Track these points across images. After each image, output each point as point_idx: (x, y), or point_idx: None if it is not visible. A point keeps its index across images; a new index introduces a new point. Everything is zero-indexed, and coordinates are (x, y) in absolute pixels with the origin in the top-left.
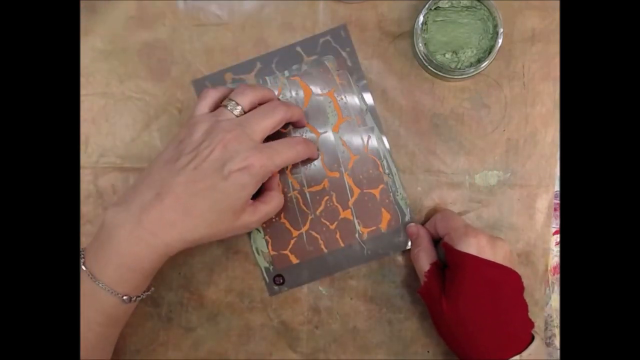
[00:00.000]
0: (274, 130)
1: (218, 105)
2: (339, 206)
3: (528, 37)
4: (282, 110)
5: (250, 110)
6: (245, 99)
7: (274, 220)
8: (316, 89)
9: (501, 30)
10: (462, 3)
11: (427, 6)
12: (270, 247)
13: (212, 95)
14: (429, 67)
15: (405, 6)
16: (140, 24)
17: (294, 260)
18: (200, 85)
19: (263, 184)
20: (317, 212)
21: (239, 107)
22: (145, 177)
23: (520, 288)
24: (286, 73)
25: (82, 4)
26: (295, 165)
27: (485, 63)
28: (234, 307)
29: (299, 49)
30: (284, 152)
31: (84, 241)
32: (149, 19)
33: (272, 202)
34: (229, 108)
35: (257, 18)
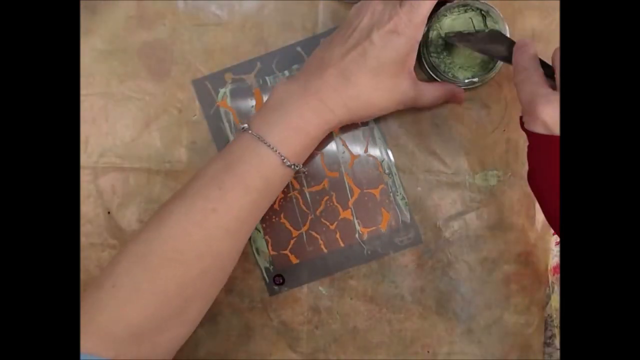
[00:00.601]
0: (426, 14)
1: None
2: (339, 206)
3: (528, 37)
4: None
5: None
6: None
7: (274, 220)
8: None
9: (508, 35)
10: (465, 15)
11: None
12: (270, 247)
13: None
14: (438, 79)
15: None
16: (140, 24)
17: (294, 260)
18: (200, 85)
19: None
20: (317, 212)
21: None
22: (311, 58)
23: None
24: (286, 73)
25: (82, 4)
26: None
27: (495, 70)
28: (234, 307)
29: (299, 49)
30: (422, 2)
31: (84, 241)
32: (149, 19)
33: (434, 91)
34: None
35: (257, 18)
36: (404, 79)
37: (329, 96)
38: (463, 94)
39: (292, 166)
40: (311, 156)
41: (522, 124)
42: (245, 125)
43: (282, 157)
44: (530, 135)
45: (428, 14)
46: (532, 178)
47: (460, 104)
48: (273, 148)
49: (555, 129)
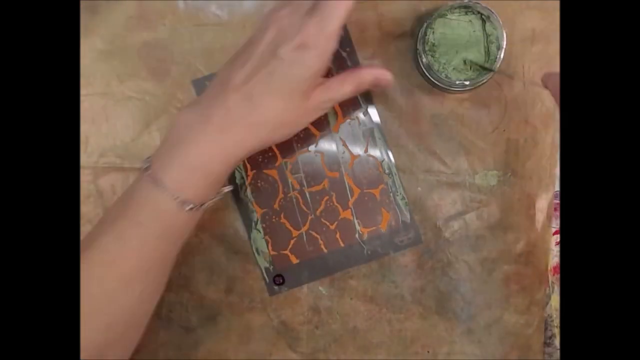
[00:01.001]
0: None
1: None
2: (339, 206)
3: (528, 37)
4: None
5: None
6: None
7: (274, 220)
8: None
9: (504, 44)
10: (465, 17)
11: (426, 23)
12: (270, 247)
13: None
14: (430, 78)
15: (405, 6)
16: (140, 24)
17: (294, 260)
18: (200, 85)
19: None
20: (317, 212)
21: None
22: (213, 81)
23: None
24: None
25: (82, 4)
26: (295, 165)
27: (487, 76)
28: (234, 307)
29: None
30: (334, 10)
31: None
32: (149, 18)
33: (347, 85)
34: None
35: (257, 18)
36: (317, 93)
37: (233, 127)
38: (386, 75)
39: (196, 208)
40: (311, 156)
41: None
42: (148, 162)
43: (182, 202)
44: None
45: (342, 22)
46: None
47: (389, 87)
48: (171, 194)
49: None
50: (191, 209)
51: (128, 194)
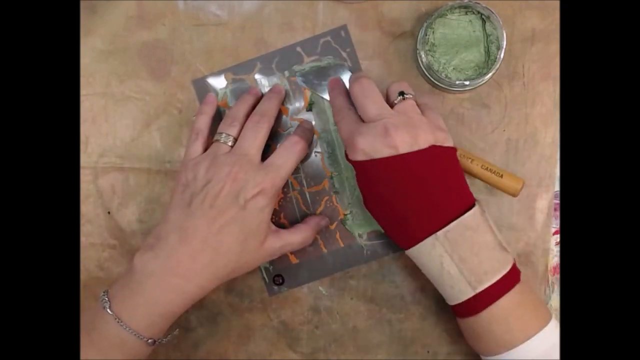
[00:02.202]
0: (266, 139)
1: (209, 141)
2: (338, 206)
3: (528, 37)
4: (265, 122)
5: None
6: (235, 129)
7: (273, 220)
8: (316, 90)
9: (504, 44)
10: (465, 17)
11: (426, 23)
12: None
13: (202, 134)
14: (430, 78)
15: (405, 6)
16: (140, 24)
17: (294, 260)
18: (200, 85)
19: (304, 219)
20: (317, 212)
21: (231, 138)
22: (165, 223)
23: (434, 161)
24: (286, 73)
25: (82, 4)
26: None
27: (488, 76)
28: (234, 307)
29: (299, 49)
30: (287, 162)
31: (84, 241)
32: (149, 19)
33: (298, 234)
34: (222, 141)
35: (257, 18)
36: (269, 236)
37: (197, 274)
38: (326, 220)
39: (159, 341)
40: (311, 156)
41: (347, 157)
42: (105, 298)
43: (148, 340)
44: (355, 164)
45: (295, 167)
46: (367, 203)
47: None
48: (137, 335)
49: (372, 154)
50: (153, 342)
51: (92, 325)
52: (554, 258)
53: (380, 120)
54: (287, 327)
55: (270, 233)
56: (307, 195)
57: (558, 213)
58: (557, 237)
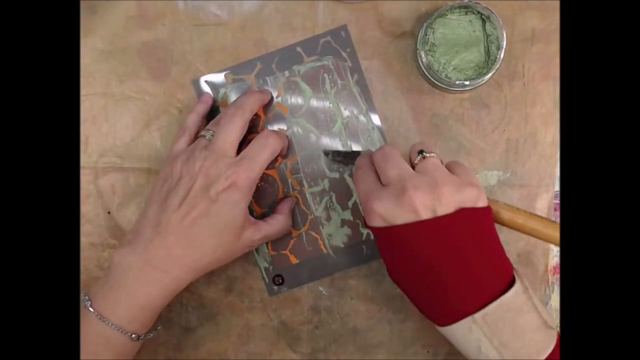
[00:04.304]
0: (242, 134)
1: (195, 137)
2: (339, 206)
3: (528, 37)
4: (239, 115)
5: None
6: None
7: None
8: (316, 89)
9: (504, 44)
10: (465, 17)
11: (426, 23)
12: (269, 247)
13: (188, 131)
14: (430, 78)
15: (405, 6)
16: (140, 24)
17: (294, 260)
18: (200, 86)
19: (275, 207)
20: (317, 212)
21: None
22: (143, 219)
23: (465, 227)
24: (286, 73)
25: (82, 4)
26: (295, 165)
27: (488, 76)
28: (234, 307)
29: (299, 49)
30: (260, 155)
31: (84, 241)
32: (149, 19)
33: (276, 224)
34: (207, 137)
35: (257, 18)
36: (246, 229)
37: (173, 266)
38: (293, 200)
39: (143, 336)
40: (312, 156)
41: (365, 223)
42: (87, 298)
43: (132, 335)
44: (374, 230)
45: (267, 163)
46: (391, 273)
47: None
48: (121, 330)
49: (391, 220)
50: (137, 338)
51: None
52: (554, 258)
53: (399, 182)
54: (287, 327)
55: (249, 225)
56: (307, 195)
57: (558, 213)
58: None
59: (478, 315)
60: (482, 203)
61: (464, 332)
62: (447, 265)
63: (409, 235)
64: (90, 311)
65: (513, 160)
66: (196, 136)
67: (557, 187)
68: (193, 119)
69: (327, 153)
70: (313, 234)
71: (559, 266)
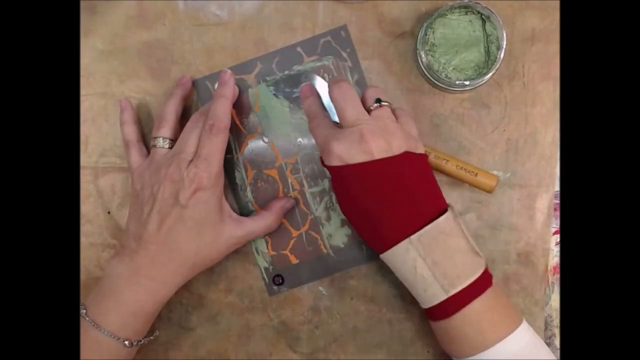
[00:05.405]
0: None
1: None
2: (339, 206)
3: (528, 37)
4: (195, 117)
5: (176, 131)
6: (167, 130)
7: None
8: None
9: (504, 44)
10: (465, 17)
11: (426, 23)
12: (269, 247)
13: (131, 143)
14: (430, 78)
15: (405, 6)
16: (140, 24)
17: (294, 260)
18: (200, 85)
19: (267, 204)
20: (317, 212)
21: (167, 140)
22: (126, 231)
23: (408, 166)
24: (287, 73)
25: (82, 4)
26: (295, 166)
27: (488, 76)
28: (234, 307)
29: (299, 49)
30: (211, 150)
31: (84, 241)
32: (149, 19)
33: (261, 221)
34: (158, 146)
35: (257, 18)
36: (226, 224)
37: (159, 272)
38: (291, 202)
39: (136, 342)
40: (312, 156)
41: (322, 162)
42: (84, 307)
43: (123, 341)
44: (331, 169)
45: (222, 161)
46: (342, 207)
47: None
48: (113, 336)
49: (348, 159)
50: (131, 344)
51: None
52: (554, 258)
53: (357, 125)
54: (287, 327)
55: (232, 222)
56: (307, 195)
57: (558, 213)
58: (557, 237)
59: (414, 237)
60: (420, 150)
61: (401, 253)
62: (393, 195)
63: (364, 172)
64: (85, 319)
65: (513, 160)
66: (141, 144)
67: (557, 187)
68: (129, 130)
69: (268, 84)
70: (313, 234)
71: (559, 266)
